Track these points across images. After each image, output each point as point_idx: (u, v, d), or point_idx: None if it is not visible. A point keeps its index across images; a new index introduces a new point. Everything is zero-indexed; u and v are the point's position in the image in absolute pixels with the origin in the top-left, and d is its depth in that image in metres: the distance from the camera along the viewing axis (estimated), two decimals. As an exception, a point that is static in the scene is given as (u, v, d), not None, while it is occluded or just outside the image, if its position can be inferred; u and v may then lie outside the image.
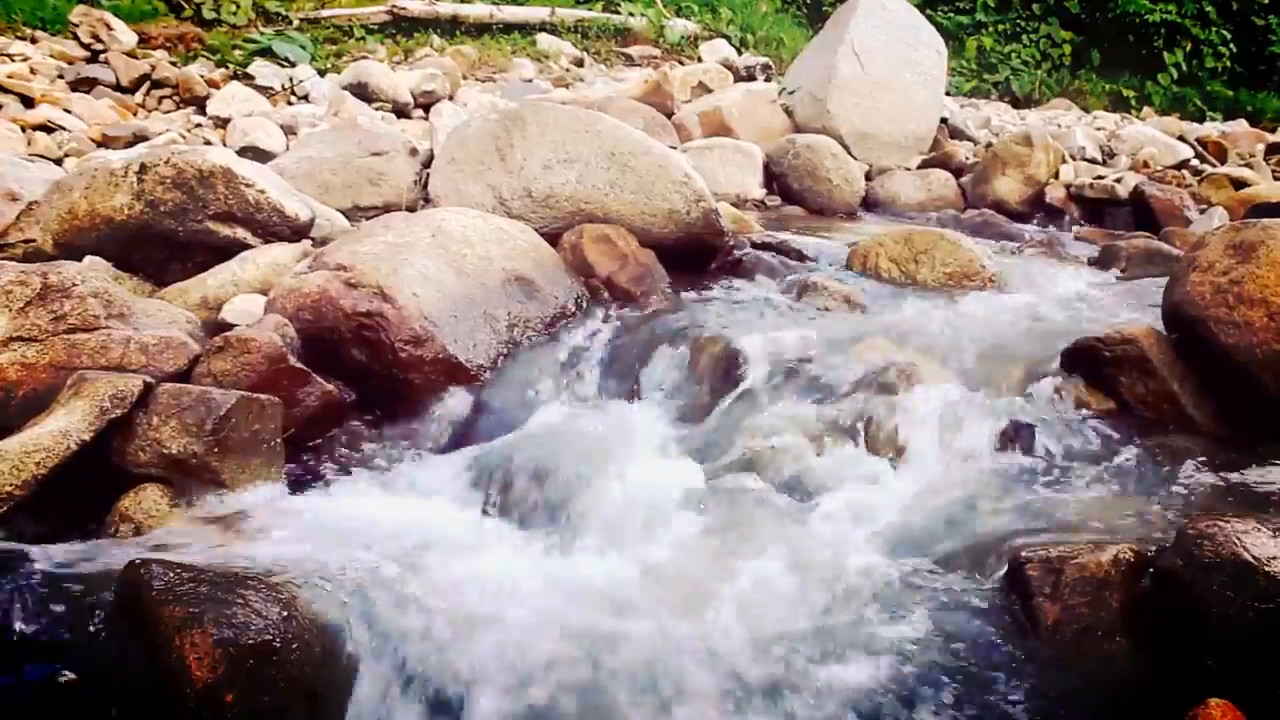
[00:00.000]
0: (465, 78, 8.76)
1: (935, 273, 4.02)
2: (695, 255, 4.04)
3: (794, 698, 1.84)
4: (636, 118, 6.15)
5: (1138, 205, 6.03)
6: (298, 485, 2.54)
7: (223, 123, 6.59)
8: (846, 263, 4.23)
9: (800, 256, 4.38)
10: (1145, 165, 7.16)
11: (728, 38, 11.71)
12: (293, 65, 8.31)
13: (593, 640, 1.93)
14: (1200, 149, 7.79)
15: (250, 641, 1.64)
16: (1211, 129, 9.10)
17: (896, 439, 2.76)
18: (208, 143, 6.08)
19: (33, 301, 2.61)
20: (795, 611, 2.08)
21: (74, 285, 2.67)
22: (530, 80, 9.11)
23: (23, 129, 5.75)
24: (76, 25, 7.77)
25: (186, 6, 9.32)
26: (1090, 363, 2.92)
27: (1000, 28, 14.07)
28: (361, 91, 7.35)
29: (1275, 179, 6.95)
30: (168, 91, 7.25)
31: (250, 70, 7.87)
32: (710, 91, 8.19)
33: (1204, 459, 2.61)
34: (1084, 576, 1.97)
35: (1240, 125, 9.75)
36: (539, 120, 3.94)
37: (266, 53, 8.46)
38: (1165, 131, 8.30)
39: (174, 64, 7.78)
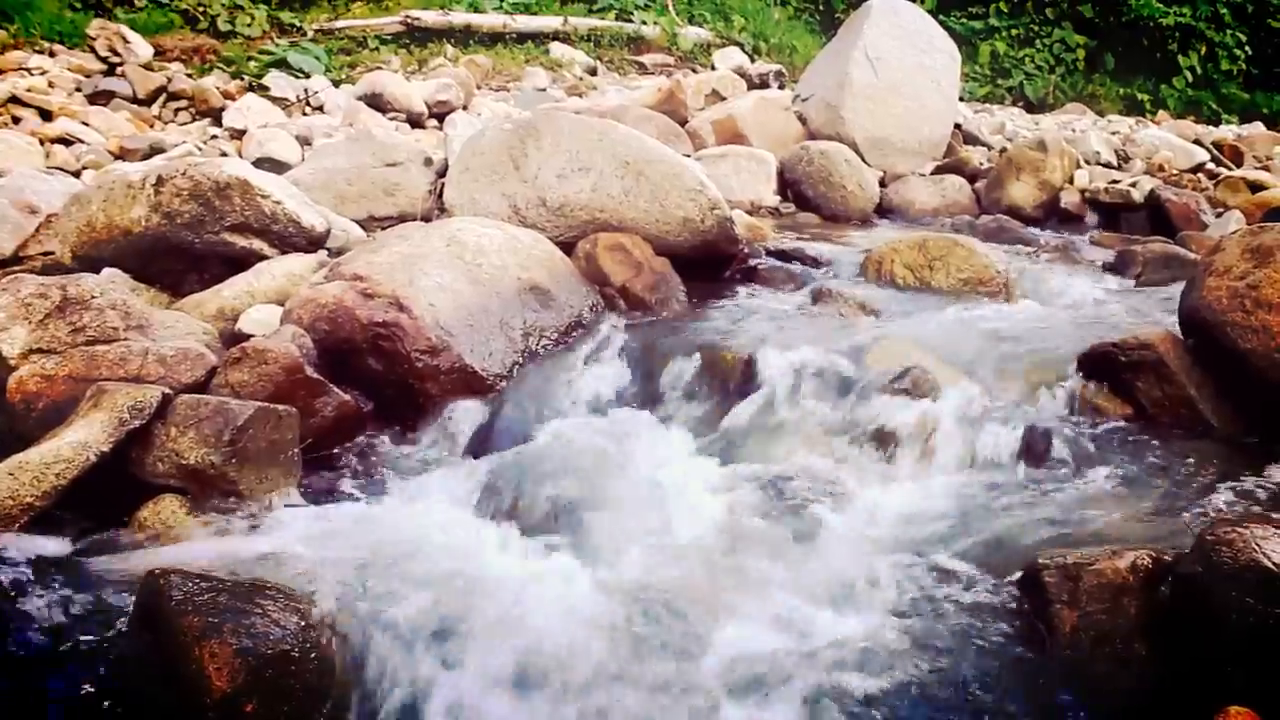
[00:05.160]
0: (479, 87, 8.80)
1: (950, 279, 4.01)
2: (710, 263, 4.05)
3: (811, 700, 1.83)
4: (650, 126, 6.15)
5: (1153, 209, 6.00)
6: (315, 495, 2.55)
7: (239, 134, 6.64)
8: (861, 269, 4.23)
9: (815, 263, 4.38)
10: (1160, 169, 7.12)
11: (741, 45, 11.72)
12: (307, 76, 8.37)
13: (607, 646, 1.94)
14: (1216, 152, 7.73)
15: (269, 651, 1.65)
16: (1227, 132, 9.05)
17: (913, 445, 2.76)
18: (224, 154, 6.11)
19: (52, 314, 2.64)
20: (812, 616, 2.08)
21: (92, 297, 2.69)
22: (544, 89, 9.14)
23: (41, 142, 5.80)
24: (94, 39, 7.85)
25: (202, 19, 9.41)
26: (1107, 368, 2.91)
27: (1014, 32, 14.03)
28: (376, 102, 7.39)
29: (1292, 181, 6.90)
30: (184, 103, 7.31)
31: (265, 82, 7.93)
32: (723, 99, 8.18)
33: (1222, 464, 2.61)
34: (1102, 583, 1.97)
35: (1256, 128, 9.69)
36: (553, 129, 3.95)
37: (281, 64, 8.53)
38: (1180, 135, 8.25)
39: (190, 76, 7.85)
